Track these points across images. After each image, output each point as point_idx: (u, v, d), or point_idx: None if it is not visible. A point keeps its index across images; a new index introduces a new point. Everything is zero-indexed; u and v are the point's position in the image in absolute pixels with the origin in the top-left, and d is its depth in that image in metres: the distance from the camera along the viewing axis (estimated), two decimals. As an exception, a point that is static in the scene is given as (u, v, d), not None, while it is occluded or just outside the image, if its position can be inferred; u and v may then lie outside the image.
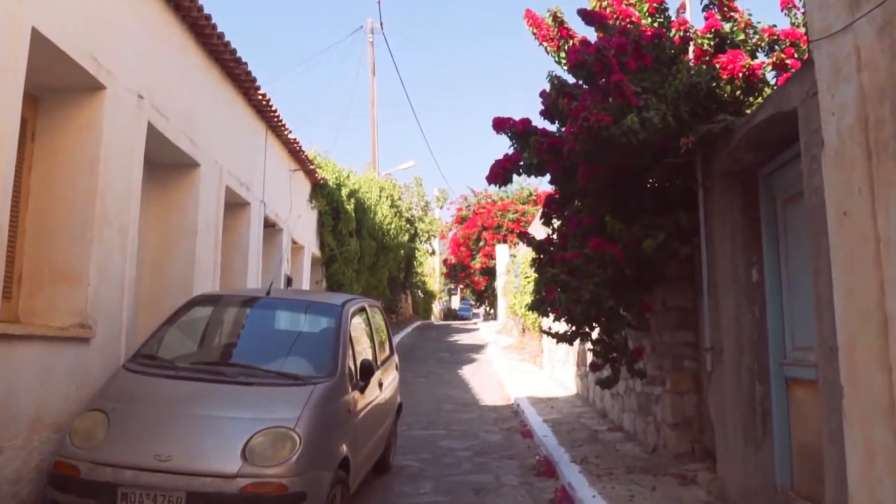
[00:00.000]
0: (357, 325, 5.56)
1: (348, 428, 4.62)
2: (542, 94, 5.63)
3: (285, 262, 10.62)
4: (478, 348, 18.90)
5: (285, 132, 9.92)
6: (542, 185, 32.18)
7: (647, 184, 5.80)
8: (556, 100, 5.39)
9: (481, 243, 30.26)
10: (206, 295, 5.48)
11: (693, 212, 5.71)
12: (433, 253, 33.02)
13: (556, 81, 5.46)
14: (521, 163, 5.71)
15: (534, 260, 6.66)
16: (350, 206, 13.87)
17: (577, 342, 6.40)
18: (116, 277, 5.24)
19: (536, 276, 6.87)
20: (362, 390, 4.95)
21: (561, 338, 6.12)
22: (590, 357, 9.88)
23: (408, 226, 20.23)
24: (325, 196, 13.14)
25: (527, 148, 5.72)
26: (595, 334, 6.23)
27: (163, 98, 6.08)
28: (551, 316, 6.25)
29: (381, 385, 5.68)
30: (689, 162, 5.49)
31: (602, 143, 4.81)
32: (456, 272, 32.57)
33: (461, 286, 37.45)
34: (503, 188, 27.53)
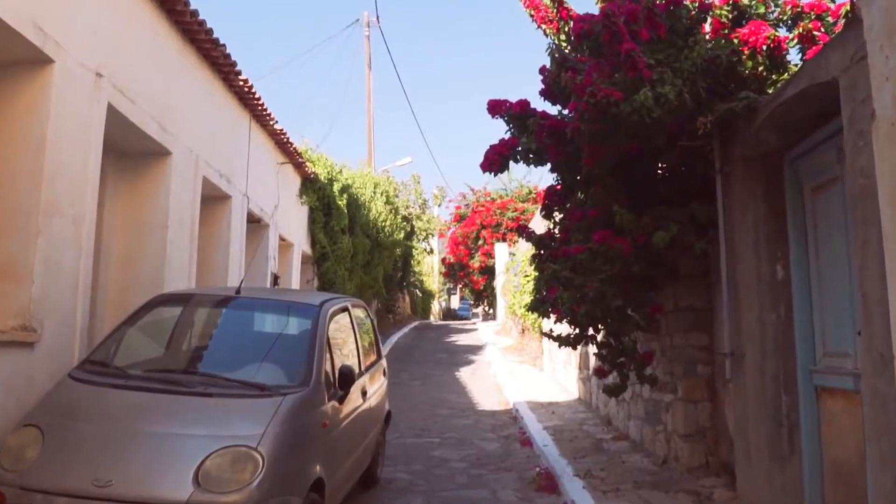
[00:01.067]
0: (338, 328, 5.03)
1: (323, 445, 4.08)
2: (542, 70, 5.10)
3: (272, 260, 10.09)
4: (476, 349, 18.36)
5: (271, 122, 9.38)
6: (543, 182, 31.74)
7: (659, 170, 5.26)
8: (557, 76, 4.85)
9: (480, 242, 29.69)
10: (169, 294, 4.93)
11: (708, 202, 5.19)
12: (431, 252, 32.45)
13: (557, 55, 4.92)
14: (519, 148, 5.17)
15: (533, 256, 6.13)
16: (342, 202, 13.32)
17: (580, 345, 5.87)
18: (69, 274, 4.71)
19: (536, 273, 6.33)
20: (341, 400, 4.42)
21: (563, 341, 5.58)
22: (593, 361, 9.38)
23: (404, 223, 19.67)
24: (315, 191, 12.60)
25: (525, 132, 5.19)
26: (600, 337, 5.69)
27: (127, 79, 5.55)
28: (553, 317, 5.71)
29: (364, 394, 5.14)
30: (705, 145, 4.97)
31: (610, 122, 4.28)
32: (454, 271, 32.00)
33: (460, 286, 36.89)
34: (504, 187, 26.97)
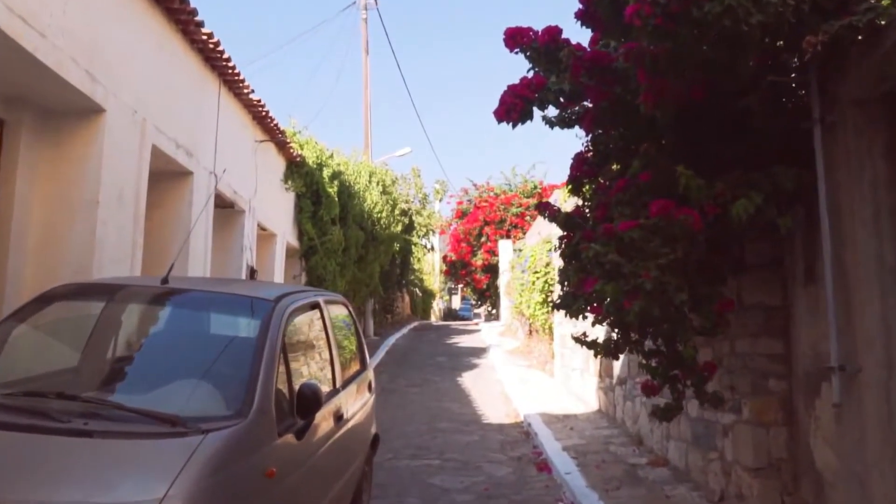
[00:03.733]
0: (303, 331, 3.74)
1: (270, 502, 2.79)
2: (582, -20, 3.79)
3: (248, 251, 8.79)
4: (479, 352, 17.06)
5: (245, 90, 8.08)
6: (549, 177, 30.42)
7: (734, 121, 3.96)
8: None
9: (483, 239, 28.36)
10: (73, 286, 3.61)
11: (797, 165, 3.89)
12: (432, 249, 31.12)
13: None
14: (548, 89, 3.87)
15: (561, 240, 4.82)
16: (333, 189, 12.01)
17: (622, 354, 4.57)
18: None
19: (563, 264, 5.02)
20: (301, 433, 3.12)
21: (603, 349, 4.27)
22: (619, 368, 8.04)
23: (402, 217, 18.36)
24: (302, 176, 11.29)
25: (555, 69, 3.89)
26: (648, 343, 4.39)
27: (36, 6, 4.25)
28: (590, 317, 4.40)
29: (340, 418, 3.85)
30: (802, 84, 3.67)
31: (685, 38, 2.98)
32: (456, 270, 30.64)
33: (461, 284, 35.55)
34: (507, 182, 25.63)
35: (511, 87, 3.95)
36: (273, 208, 10.23)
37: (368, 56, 21.22)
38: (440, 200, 29.62)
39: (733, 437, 4.94)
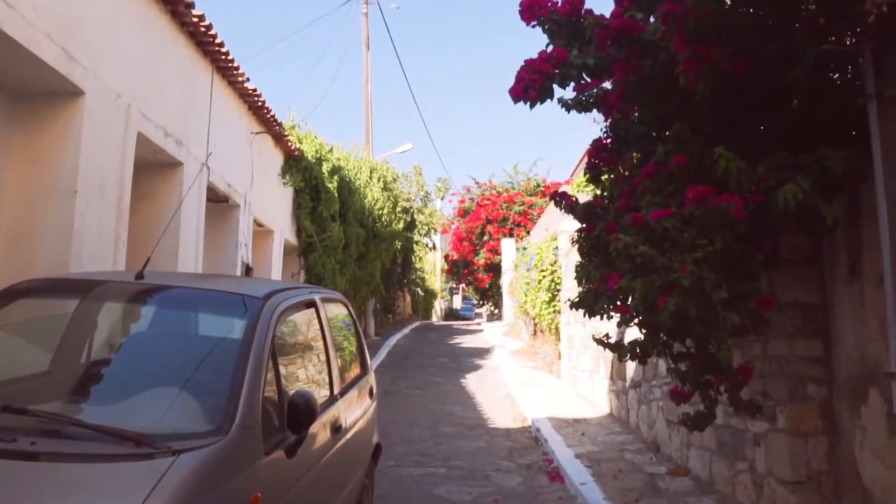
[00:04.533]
0: (296, 332, 3.34)
1: (255, 532, 2.39)
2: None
3: (243, 248, 8.39)
4: (482, 352, 16.65)
5: (240, 79, 7.68)
6: (551, 175, 29.96)
7: (778, 98, 3.56)
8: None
9: (485, 238, 27.96)
10: (40, 281, 3.21)
11: (846, 147, 3.49)
12: (433, 248, 30.69)
13: None
14: (570, 63, 3.47)
15: (580, 232, 4.42)
16: (332, 185, 11.60)
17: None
18: None
19: (580, 259, 4.63)
20: (293, 450, 2.72)
21: (629, 352, 3.86)
22: (633, 371, 7.63)
23: (404, 214, 17.95)
24: (301, 171, 10.89)
25: (577, 42, 3.49)
26: (678, 346, 3.98)
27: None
28: (615, 316, 3.99)
29: (338, 429, 3.45)
30: (854, 55, 3.27)
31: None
32: (458, 269, 30.22)
33: (463, 284, 35.13)
34: (510, 180, 25.22)
35: (529, 62, 3.55)
36: (270, 203, 9.83)
37: (369, 51, 20.83)
38: (442, 198, 29.21)
39: (767, 447, 4.54)
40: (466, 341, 19.80)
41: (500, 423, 8.94)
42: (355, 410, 3.95)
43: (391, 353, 16.15)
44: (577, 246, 4.59)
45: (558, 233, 12.24)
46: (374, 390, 4.62)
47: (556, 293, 12.73)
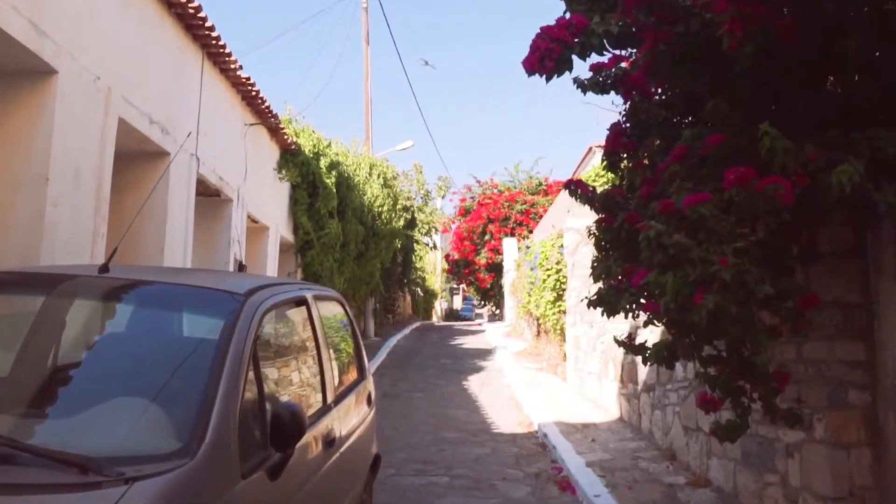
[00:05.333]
0: (282, 334, 2.96)
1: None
2: None
3: (236, 244, 8.01)
4: (485, 354, 16.26)
5: (232, 66, 7.30)
6: (554, 174, 29.61)
7: (827, 70, 3.18)
8: None
9: (487, 237, 27.60)
10: (-8, 273, 2.83)
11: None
12: (434, 247, 30.29)
13: None
14: (588, 33, 3.09)
15: (599, 223, 4.03)
16: (330, 180, 11.21)
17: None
18: None
19: (598, 253, 4.24)
20: (277, 471, 2.34)
21: (656, 356, 3.47)
22: (645, 373, 7.21)
23: (404, 213, 17.56)
24: (297, 166, 10.50)
25: (599, 7, 3.11)
26: (708, 348, 3.59)
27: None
28: (641, 316, 3.60)
29: (332, 442, 3.06)
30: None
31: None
32: (459, 268, 29.87)
33: (464, 284, 34.76)
34: (511, 179, 24.90)
35: (545, 30, 3.17)
36: (265, 199, 9.45)
37: (369, 46, 20.45)
38: (443, 197, 28.77)
39: (802, 459, 4.15)
40: (468, 342, 19.42)
41: (505, 428, 8.56)
42: (352, 419, 3.57)
43: (391, 354, 15.77)
44: (593, 239, 4.21)
45: (565, 230, 11.85)
46: (373, 396, 4.23)
47: (561, 293, 12.34)
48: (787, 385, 3.64)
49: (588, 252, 11.29)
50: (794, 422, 3.54)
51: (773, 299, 3.28)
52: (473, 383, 12.16)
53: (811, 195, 3.03)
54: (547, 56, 3.16)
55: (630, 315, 3.51)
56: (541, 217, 23.41)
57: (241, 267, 8.31)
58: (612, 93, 4.47)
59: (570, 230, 11.50)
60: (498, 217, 27.28)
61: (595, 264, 4.33)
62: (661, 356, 3.48)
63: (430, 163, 73.65)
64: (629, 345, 3.69)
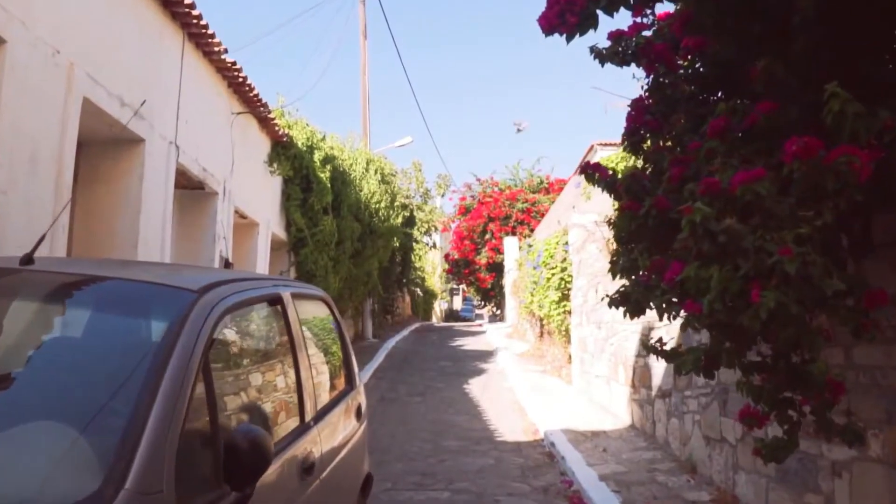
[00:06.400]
0: (247, 340, 2.45)
1: None
2: None
3: (222, 241, 7.50)
4: (486, 355, 15.76)
5: (216, 49, 6.79)
6: (555, 172, 29.09)
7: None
8: None
9: (487, 236, 27.09)
10: None
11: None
12: (434, 247, 29.78)
13: None
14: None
15: (621, 210, 3.52)
16: (325, 175, 10.70)
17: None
18: None
19: (618, 247, 3.74)
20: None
21: (692, 364, 2.95)
22: (660, 378, 6.64)
23: (402, 210, 17.05)
24: (290, 159, 9.99)
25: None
26: (752, 355, 3.09)
27: None
28: (675, 317, 3.09)
29: (310, 468, 2.55)
30: None
31: None
32: (459, 268, 29.34)
33: (464, 284, 34.23)
34: (512, 177, 24.45)
35: (565, -19, 2.67)
36: (255, 193, 8.94)
37: (367, 41, 19.95)
38: (442, 196, 28.31)
39: (853, 480, 3.65)
40: (469, 343, 18.92)
41: (509, 436, 8.06)
42: (337, 438, 3.06)
43: (389, 356, 15.27)
44: (613, 230, 3.70)
45: (570, 226, 11.34)
46: (364, 408, 3.72)
47: (566, 292, 11.84)
48: (842, 396, 3.14)
49: (595, 250, 10.79)
50: (852, 439, 3.03)
51: (836, 297, 2.78)
52: (475, 387, 11.66)
53: (882, 172, 2.53)
54: (568, 10, 2.67)
55: (669, 317, 3.00)
56: (542, 216, 22.90)
57: (227, 264, 7.82)
58: (633, 65, 4.01)
59: (576, 226, 10.99)
60: (499, 216, 26.78)
61: (614, 259, 3.83)
62: (698, 363, 2.97)
63: (430, 161, 72.98)
64: (662, 351, 3.18)
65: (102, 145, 5.40)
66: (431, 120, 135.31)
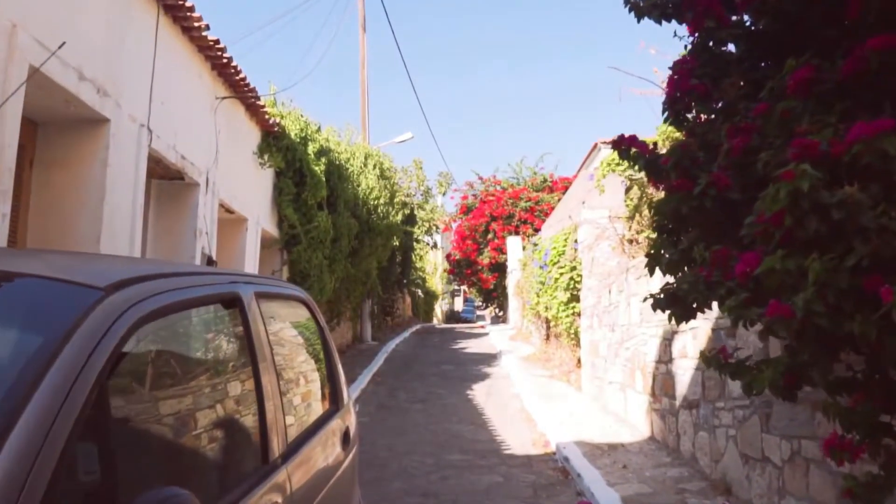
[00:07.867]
0: (183, 358, 1.81)
1: None
2: None
3: (203, 236, 6.85)
4: (489, 359, 15.12)
5: (195, 24, 6.15)
6: (559, 171, 28.45)
7: None
8: None
9: (490, 235, 26.46)
10: None
11: None
12: (435, 247, 29.13)
13: None
14: None
15: (669, 190, 2.87)
16: (319, 168, 10.05)
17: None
18: None
19: (659, 236, 3.10)
20: None
21: (770, 382, 2.31)
22: (686, 386, 5.83)
23: (402, 207, 16.41)
24: (282, 150, 9.34)
25: None
26: (840, 370, 2.44)
27: None
28: (752, 325, 2.44)
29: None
30: None
31: None
32: (461, 268, 28.72)
33: (465, 285, 33.60)
34: (515, 176, 23.76)
35: None
36: (243, 186, 8.30)
37: (366, 33, 19.33)
38: (443, 194, 27.62)
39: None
40: (471, 346, 18.28)
41: (517, 449, 7.41)
42: (315, 478, 2.41)
43: (389, 359, 14.64)
44: (656, 216, 3.06)
45: (580, 223, 10.70)
46: (353, 432, 3.07)
47: (575, 292, 11.19)
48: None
49: (607, 247, 10.12)
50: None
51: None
52: (479, 393, 11.02)
53: None
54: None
55: (747, 323, 2.34)
56: (546, 215, 22.27)
57: (209, 262, 7.20)
58: (675, 21, 3.40)
59: (587, 223, 10.35)
60: (501, 214, 26.16)
61: (652, 251, 3.19)
62: (776, 381, 2.32)
63: (431, 160, 72.36)
64: (727, 364, 2.52)
65: (61, 126, 4.76)
66: (432, 117, 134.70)
